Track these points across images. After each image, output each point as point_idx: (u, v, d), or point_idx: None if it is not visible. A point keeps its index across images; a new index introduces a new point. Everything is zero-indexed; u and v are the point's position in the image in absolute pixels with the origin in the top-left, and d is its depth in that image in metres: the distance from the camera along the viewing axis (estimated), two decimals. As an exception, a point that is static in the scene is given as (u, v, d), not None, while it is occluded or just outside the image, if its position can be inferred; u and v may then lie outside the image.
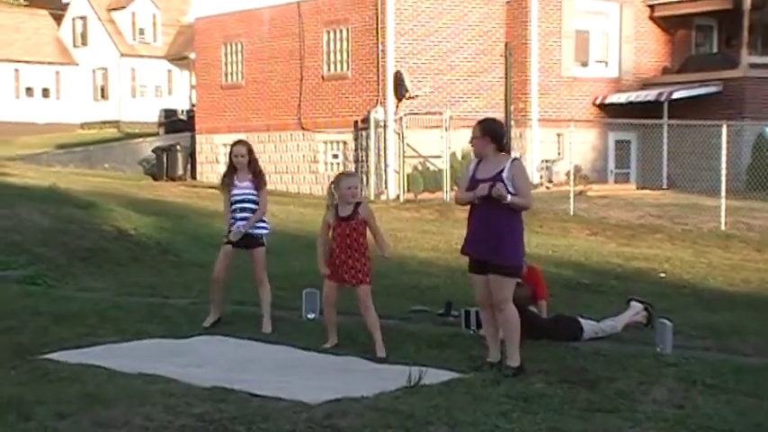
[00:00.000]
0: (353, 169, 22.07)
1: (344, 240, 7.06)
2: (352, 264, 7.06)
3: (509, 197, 6.20)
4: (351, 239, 7.05)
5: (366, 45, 21.71)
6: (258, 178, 7.95)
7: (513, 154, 6.50)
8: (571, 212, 17.16)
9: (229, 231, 7.93)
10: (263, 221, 8.01)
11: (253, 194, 7.90)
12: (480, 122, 6.53)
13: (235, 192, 7.90)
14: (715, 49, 24.93)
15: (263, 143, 24.52)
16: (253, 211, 7.89)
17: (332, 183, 7.26)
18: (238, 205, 7.89)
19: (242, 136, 24.67)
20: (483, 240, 6.31)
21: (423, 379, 5.82)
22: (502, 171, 6.26)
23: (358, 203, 7.13)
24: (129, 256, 12.04)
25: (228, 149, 8.17)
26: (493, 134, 6.39)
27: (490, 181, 6.24)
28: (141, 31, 45.55)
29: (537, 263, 8.78)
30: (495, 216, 6.25)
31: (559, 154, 22.14)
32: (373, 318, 7.09)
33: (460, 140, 21.04)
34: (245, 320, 8.04)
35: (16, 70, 44.74)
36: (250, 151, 8.00)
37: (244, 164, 7.92)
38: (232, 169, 7.98)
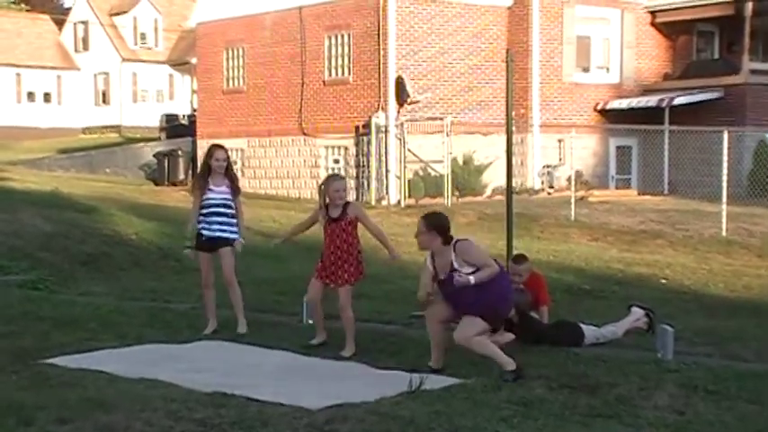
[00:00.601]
0: (355, 174, 22.12)
1: (334, 241, 7.17)
2: (340, 265, 7.16)
3: (471, 279, 6.22)
4: (340, 240, 7.15)
5: (367, 50, 21.74)
6: (234, 184, 7.95)
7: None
8: (572, 218, 17.16)
9: (200, 236, 7.89)
10: (236, 228, 7.94)
11: (229, 199, 7.89)
12: (424, 218, 6.57)
13: (211, 195, 7.85)
14: (716, 55, 24.94)
15: (265, 148, 24.55)
16: (228, 215, 7.88)
17: (321, 184, 7.37)
18: (215, 209, 7.84)
19: (243, 141, 24.78)
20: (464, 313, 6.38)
21: (423, 384, 5.81)
22: (452, 264, 6.30)
23: (346, 204, 7.24)
24: (130, 260, 12.05)
25: (207, 152, 8.05)
26: (438, 228, 6.42)
27: (447, 280, 6.28)
28: (143, 36, 45.62)
29: (538, 268, 8.78)
30: (465, 295, 6.27)
31: (560, 159, 22.15)
32: (349, 317, 7.22)
33: (461, 146, 21.09)
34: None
35: (18, 75, 44.81)
36: (228, 157, 8.00)
37: (223, 168, 7.90)
38: (207, 172, 7.92)
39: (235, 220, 7.93)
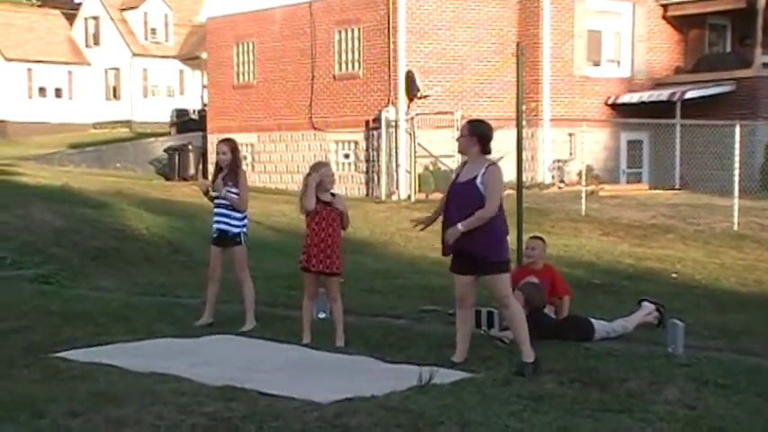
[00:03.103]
0: (365, 169, 22.11)
1: (321, 224, 7.23)
2: (331, 249, 7.22)
3: (459, 226, 6.23)
4: (328, 224, 7.24)
5: (377, 44, 21.71)
6: (231, 173, 7.94)
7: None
8: (583, 212, 17.11)
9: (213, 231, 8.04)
10: (239, 221, 7.99)
11: (231, 192, 7.94)
12: (470, 122, 6.58)
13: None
14: (728, 49, 24.82)
15: (275, 143, 24.57)
16: (228, 207, 7.93)
17: (309, 172, 7.39)
18: (217, 201, 7.98)
19: (253, 135, 24.81)
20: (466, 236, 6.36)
21: (433, 378, 5.81)
22: (476, 177, 6.32)
23: (333, 194, 7.34)
24: (140, 255, 12.08)
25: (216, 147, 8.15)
26: (480, 135, 6.40)
27: (467, 184, 6.30)
28: (153, 31, 45.68)
29: (549, 262, 8.75)
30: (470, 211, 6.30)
31: (571, 154, 22.09)
32: (339, 308, 7.33)
33: (472, 140, 21.06)
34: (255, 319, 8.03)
35: (29, 70, 44.93)
36: (234, 149, 8.01)
37: (227, 161, 7.94)
38: (217, 168, 8.03)
39: (239, 214, 7.96)
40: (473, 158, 6.40)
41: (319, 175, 7.26)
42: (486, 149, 6.40)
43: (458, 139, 6.54)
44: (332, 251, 7.24)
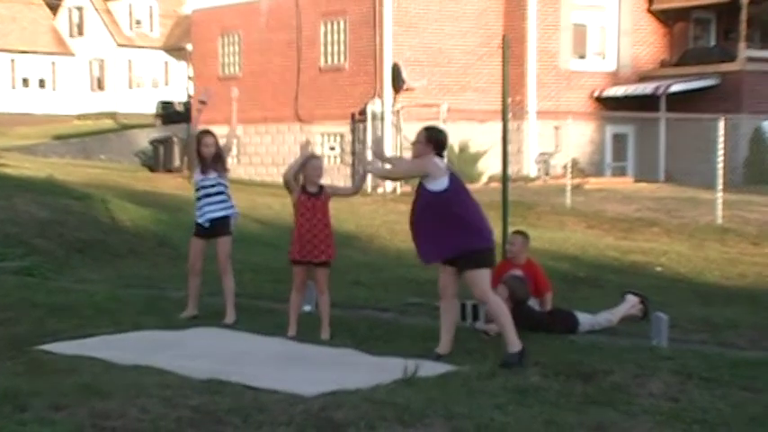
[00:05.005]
0: (351, 162, 22.10)
1: (314, 215, 7.22)
2: (322, 239, 7.21)
3: (369, 167, 6.49)
4: (320, 214, 7.23)
5: (363, 37, 21.68)
6: (222, 165, 7.91)
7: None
8: (568, 206, 17.16)
9: (198, 224, 7.94)
10: (231, 204, 7.96)
11: (222, 184, 7.92)
12: (426, 129, 6.54)
13: (204, 183, 7.90)
14: (713, 43, 24.93)
15: (261, 135, 24.51)
16: (220, 199, 7.89)
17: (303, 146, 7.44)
18: (208, 193, 7.91)
19: (239, 128, 24.72)
20: (433, 242, 6.39)
21: (418, 371, 5.82)
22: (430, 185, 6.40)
23: (321, 186, 7.33)
24: (125, 248, 12.03)
25: (195, 140, 8.07)
26: (436, 142, 6.42)
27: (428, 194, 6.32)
28: (138, 22, 45.43)
29: (534, 256, 8.78)
30: (428, 215, 6.34)
31: (557, 147, 22.15)
32: (326, 301, 7.33)
33: (458, 133, 21.06)
34: (240, 312, 8.02)
35: (12, 60, 44.62)
36: (217, 141, 7.99)
37: (212, 153, 7.88)
38: (199, 159, 7.95)
39: (229, 201, 7.95)
40: None
41: (307, 166, 7.24)
42: (441, 156, 6.43)
43: (412, 144, 6.52)
44: (321, 241, 7.22)
